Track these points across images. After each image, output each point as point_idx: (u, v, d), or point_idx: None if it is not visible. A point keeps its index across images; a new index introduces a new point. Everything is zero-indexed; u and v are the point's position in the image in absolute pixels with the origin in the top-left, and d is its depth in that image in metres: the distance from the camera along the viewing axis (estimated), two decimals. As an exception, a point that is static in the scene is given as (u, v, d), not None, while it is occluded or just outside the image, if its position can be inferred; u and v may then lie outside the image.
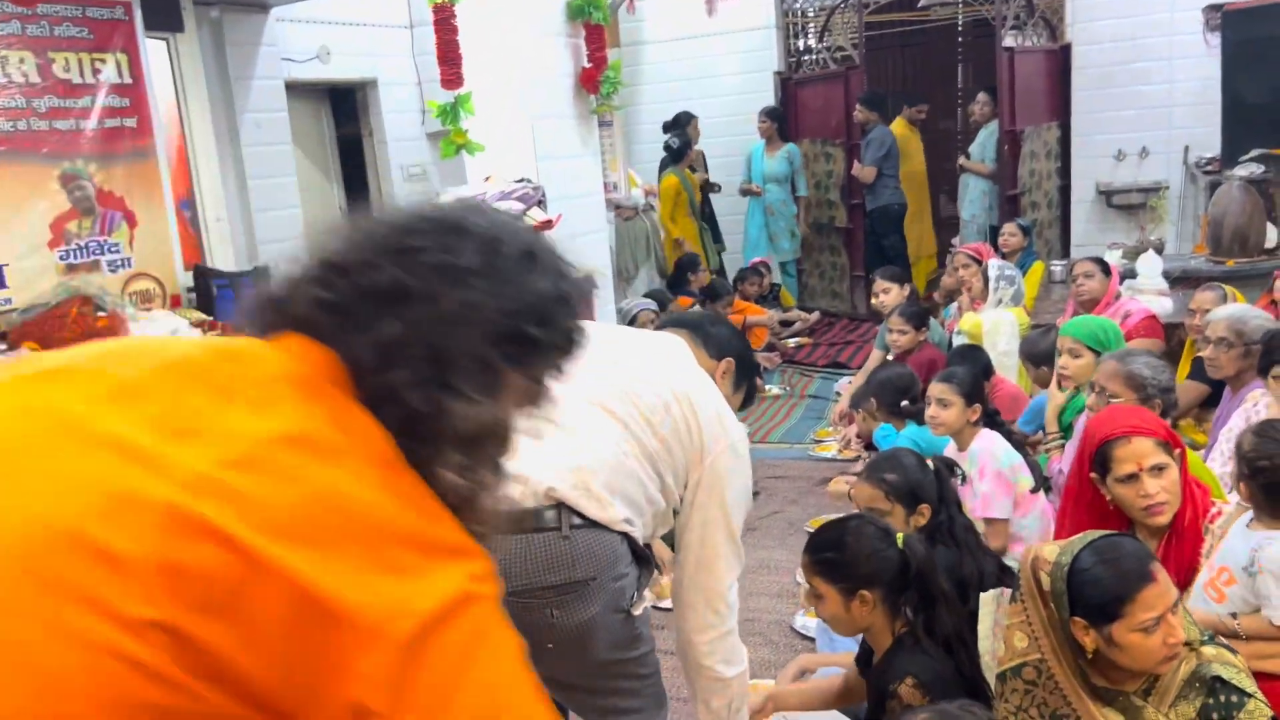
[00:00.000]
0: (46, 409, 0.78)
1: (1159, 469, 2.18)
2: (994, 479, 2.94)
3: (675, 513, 1.89)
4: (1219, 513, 2.19)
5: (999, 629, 2.21)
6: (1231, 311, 3.48)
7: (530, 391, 0.97)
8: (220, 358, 0.86)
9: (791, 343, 7.13)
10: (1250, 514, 2.12)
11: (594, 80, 4.42)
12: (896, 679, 1.96)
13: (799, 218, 7.84)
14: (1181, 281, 5.40)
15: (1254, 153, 5.41)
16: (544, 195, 4.10)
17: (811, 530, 3.88)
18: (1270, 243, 5.33)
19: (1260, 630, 1.98)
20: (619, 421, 1.74)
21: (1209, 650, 1.72)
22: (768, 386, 6.18)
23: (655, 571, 1.88)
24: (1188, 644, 1.72)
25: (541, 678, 0.93)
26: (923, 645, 2.00)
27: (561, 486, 1.66)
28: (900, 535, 2.09)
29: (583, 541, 1.65)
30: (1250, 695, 1.66)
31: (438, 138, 5.02)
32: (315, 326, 0.88)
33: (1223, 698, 1.65)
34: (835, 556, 2.05)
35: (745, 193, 7.68)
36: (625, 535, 1.72)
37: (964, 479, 2.77)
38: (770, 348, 6.68)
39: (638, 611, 1.76)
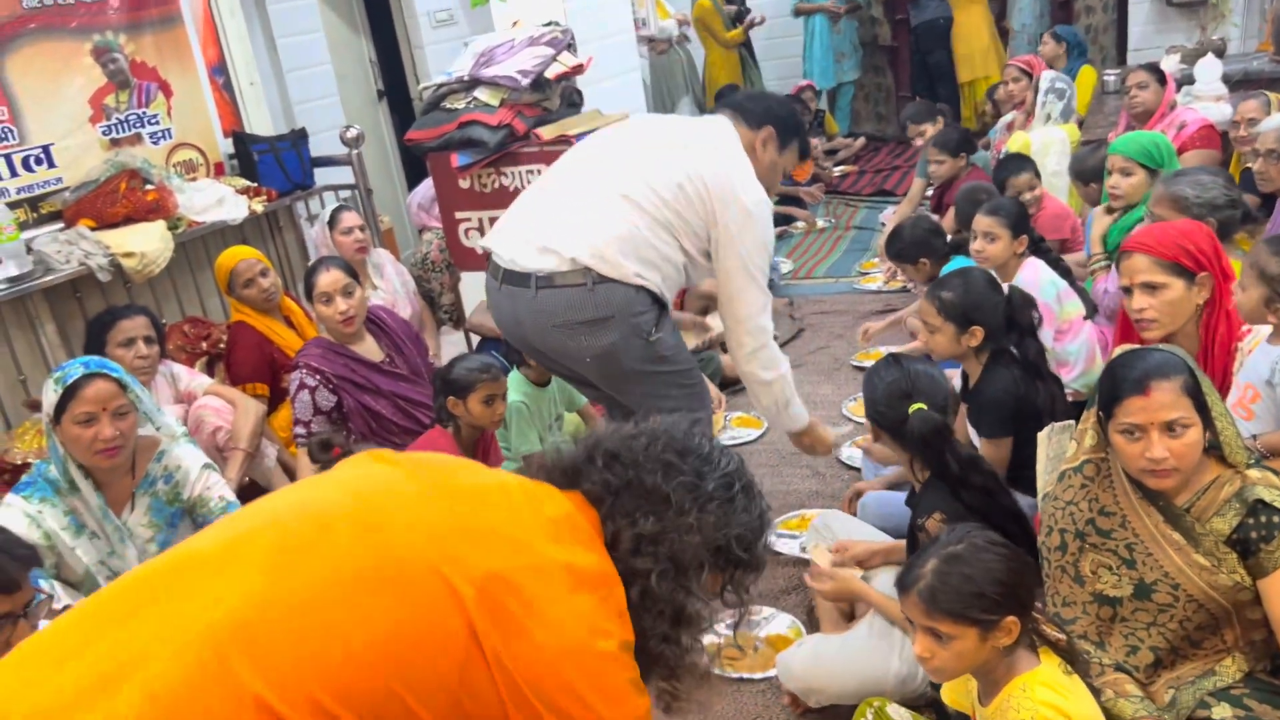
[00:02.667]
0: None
1: (1150, 286, 2.22)
2: (1039, 308, 2.94)
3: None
4: (1249, 330, 2.19)
5: (1052, 460, 2.29)
6: (1286, 120, 3.35)
7: (724, 596, 1.29)
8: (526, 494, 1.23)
9: (836, 171, 7.01)
10: (1272, 329, 2.13)
11: (618, -90, 4.23)
12: (925, 514, 2.06)
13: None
14: (1243, 84, 5.15)
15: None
16: (573, 38, 4.00)
17: (857, 364, 3.96)
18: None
19: None
20: (634, 204, 2.31)
21: (1254, 474, 1.75)
22: (815, 220, 6.13)
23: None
24: (1233, 466, 1.76)
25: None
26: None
27: (582, 255, 2.30)
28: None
29: (603, 292, 2.31)
30: None
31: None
32: (597, 499, 1.22)
33: (1264, 518, 1.69)
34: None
35: (809, 12, 7.30)
36: (640, 287, 2.34)
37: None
38: (815, 179, 6.58)
39: (653, 338, 2.37)
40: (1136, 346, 1.93)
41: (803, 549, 2.70)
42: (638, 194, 2.31)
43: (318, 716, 0.98)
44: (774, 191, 2.52)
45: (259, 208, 4.20)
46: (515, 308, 2.40)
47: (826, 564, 2.27)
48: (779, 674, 2.21)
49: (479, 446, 2.83)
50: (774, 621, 2.47)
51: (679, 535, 1.19)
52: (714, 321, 3.80)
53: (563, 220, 2.35)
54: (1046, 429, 2.36)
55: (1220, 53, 5.72)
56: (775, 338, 2.56)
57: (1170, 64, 5.50)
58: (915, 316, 3.36)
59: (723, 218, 2.33)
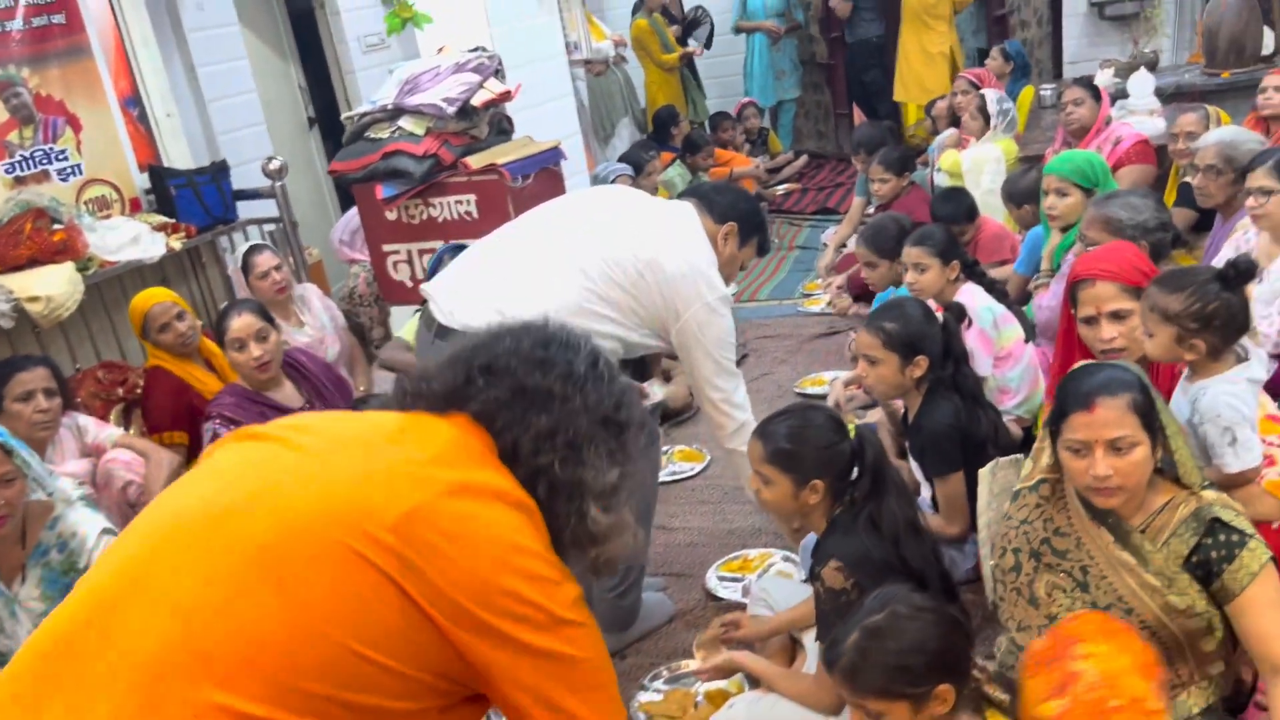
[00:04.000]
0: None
1: (1118, 315, 2.20)
2: (976, 336, 2.88)
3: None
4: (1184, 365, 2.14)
5: (996, 496, 2.23)
6: (1221, 136, 3.34)
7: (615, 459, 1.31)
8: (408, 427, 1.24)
9: (780, 190, 6.96)
10: (1189, 369, 2.09)
11: (545, -67, 4.13)
12: (822, 562, 1.96)
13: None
14: (1176, 97, 5.19)
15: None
16: (501, 64, 3.89)
17: (801, 390, 3.88)
18: (1267, 49, 5.09)
19: (1219, 480, 1.96)
20: (588, 278, 2.30)
21: (1210, 494, 1.73)
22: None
23: None
24: (1188, 488, 1.73)
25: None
26: (854, 527, 1.98)
27: (527, 316, 2.12)
28: (853, 426, 2.06)
29: None
30: (1250, 535, 1.67)
31: (387, 6, 4.77)
32: (487, 417, 1.23)
33: (1222, 537, 1.66)
34: (791, 448, 2.03)
35: (750, 30, 7.25)
36: None
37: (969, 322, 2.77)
38: (758, 199, 6.52)
39: None
40: (1091, 362, 1.90)
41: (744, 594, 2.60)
42: (594, 270, 2.31)
43: (290, 697, 1.01)
44: (731, 281, 2.56)
45: (177, 245, 4.02)
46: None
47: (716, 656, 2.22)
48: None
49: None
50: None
51: (570, 421, 1.25)
52: (654, 391, 3.72)
53: (516, 282, 2.34)
54: (990, 465, 2.29)
55: (1153, 66, 5.77)
56: None
57: (1104, 78, 5.53)
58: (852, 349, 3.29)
59: (685, 314, 2.36)
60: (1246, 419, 1.93)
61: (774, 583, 2.49)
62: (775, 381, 4.04)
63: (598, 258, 2.32)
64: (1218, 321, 1.96)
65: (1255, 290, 2.40)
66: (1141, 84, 4.91)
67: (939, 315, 2.64)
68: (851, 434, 2.05)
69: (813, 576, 2.01)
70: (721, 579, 2.76)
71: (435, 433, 1.22)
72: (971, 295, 2.98)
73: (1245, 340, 2.07)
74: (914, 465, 2.65)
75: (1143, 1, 6.98)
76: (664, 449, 3.57)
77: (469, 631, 1.09)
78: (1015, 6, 6.95)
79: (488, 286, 2.32)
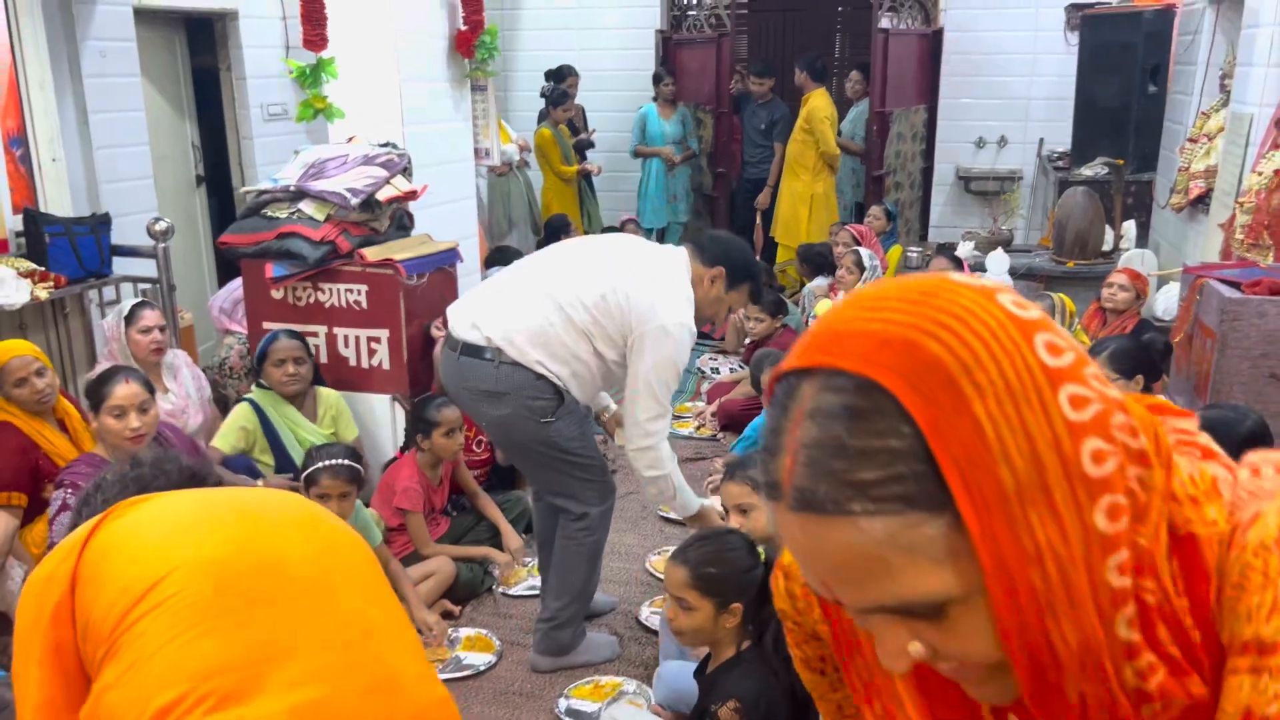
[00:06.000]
0: None
1: None
2: None
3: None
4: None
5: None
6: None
7: None
8: None
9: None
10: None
11: (469, 44, 4.26)
12: (720, 700, 2.04)
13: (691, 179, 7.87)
14: (1025, 277, 5.68)
15: (1098, 160, 5.70)
16: (409, 162, 3.96)
17: (665, 514, 3.97)
18: (1107, 246, 5.65)
19: None
20: (556, 304, 2.67)
21: None
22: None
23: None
24: None
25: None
26: (757, 667, 2.07)
27: (496, 336, 2.70)
28: (762, 550, 2.17)
29: (506, 371, 2.69)
30: None
31: (297, 95, 4.79)
32: None
33: None
34: (716, 572, 2.11)
35: (648, 155, 7.55)
36: (541, 376, 2.68)
37: None
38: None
39: (545, 421, 2.70)
40: None
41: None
42: (563, 297, 2.68)
43: None
44: (718, 321, 3.00)
45: (43, 294, 3.86)
46: (445, 364, 2.84)
47: None
48: None
49: (444, 472, 3.58)
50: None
51: None
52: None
53: (494, 305, 2.76)
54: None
55: (1007, 243, 6.30)
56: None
57: (965, 250, 6.00)
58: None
59: (639, 329, 2.63)
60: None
61: (622, 711, 2.53)
62: (639, 502, 4.12)
63: (568, 287, 2.68)
64: None
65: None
66: (998, 262, 5.37)
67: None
68: (762, 558, 2.14)
69: (704, 713, 2.06)
70: (573, 703, 2.77)
71: None
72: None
73: None
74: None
75: (1005, 181, 7.67)
76: (526, 561, 3.58)
77: None
78: (892, 169, 7.50)
79: (477, 308, 2.77)
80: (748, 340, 5.17)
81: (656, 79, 7.55)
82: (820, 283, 5.64)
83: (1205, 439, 0.72)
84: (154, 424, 2.88)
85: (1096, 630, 0.61)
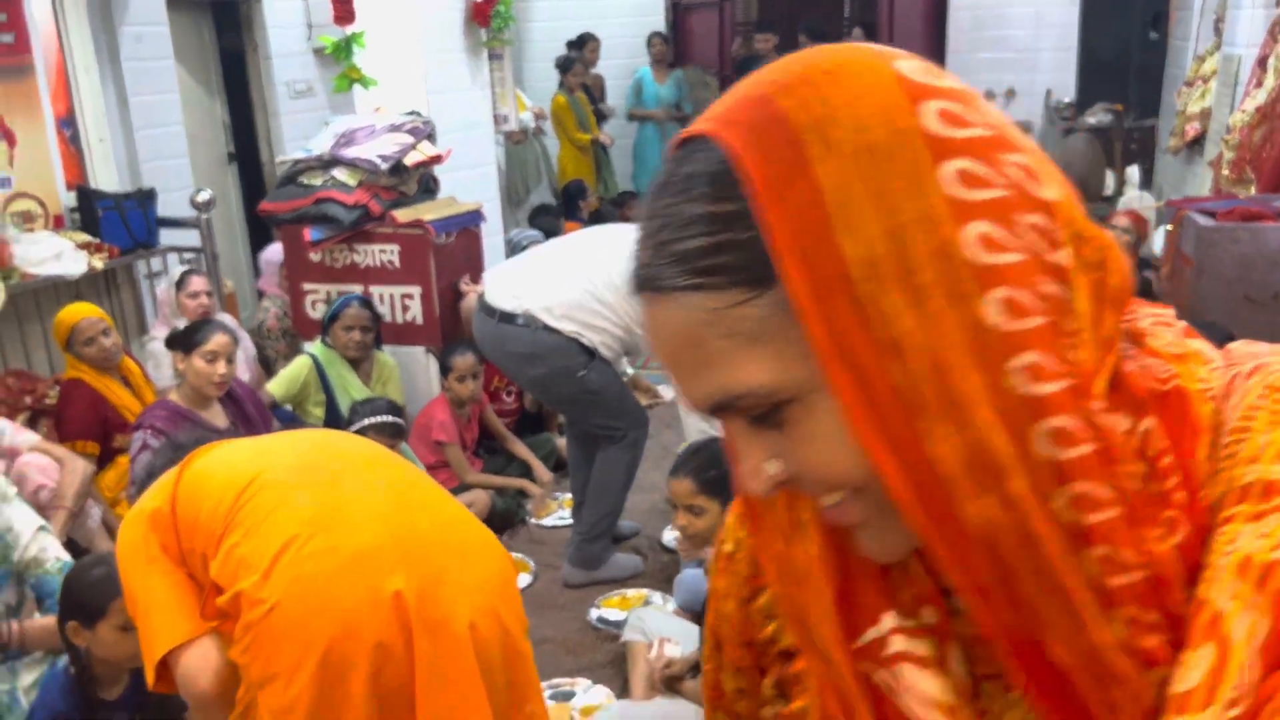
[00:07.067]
0: None
1: None
2: None
3: None
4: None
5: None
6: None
7: None
8: None
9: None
10: None
11: (485, 15, 4.49)
12: None
13: None
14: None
15: (1099, 107, 5.86)
16: (434, 129, 4.21)
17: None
18: (1109, 190, 5.83)
19: None
20: (590, 281, 3.00)
21: None
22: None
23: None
24: None
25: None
26: None
27: (534, 307, 3.01)
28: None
29: (540, 336, 3.01)
30: None
31: (324, 55, 5.03)
32: None
33: None
34: (717, 473, 2.33)
35: (641, 118, 7.74)
36: (574, 339, 3.00)
37: None
38: None
39: (580, 375, 3.02)
40: None
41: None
42: (597, 277, 3.00)
43: None
44: None
45: (99, 264, 4.15)
46: (483, 329, 3.18)
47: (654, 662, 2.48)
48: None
49: (472, 412, 3.93)
50: (590, 692, 2.64)
51: None
52: (666, 391, 4.41)
53: (534, 278, 3.09)
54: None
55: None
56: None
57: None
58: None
59: None
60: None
61: (648, 613, 2.80)
62: (660, 444, 4.37)
63: (603, 266, 2.99)
64: None
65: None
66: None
67: None
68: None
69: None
70: (601, 611, 3.05)
71: None
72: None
73: None
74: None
75: (1010, 133, 7.79)
76: (556, 495, 3.85)
77: None
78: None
79: (515, 279, 3.12)
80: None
81: (649, 42, 7.72)
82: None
83: (1184, 324, 0.61)
84: (232, 375, 3.16)
85: (995, 439, 0.49)
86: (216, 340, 3.11)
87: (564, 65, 7.17)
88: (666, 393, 4.16)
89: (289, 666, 1.27)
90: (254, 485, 1.43)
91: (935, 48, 7.79)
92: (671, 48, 7.70)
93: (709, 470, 2.37)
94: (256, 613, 1.29)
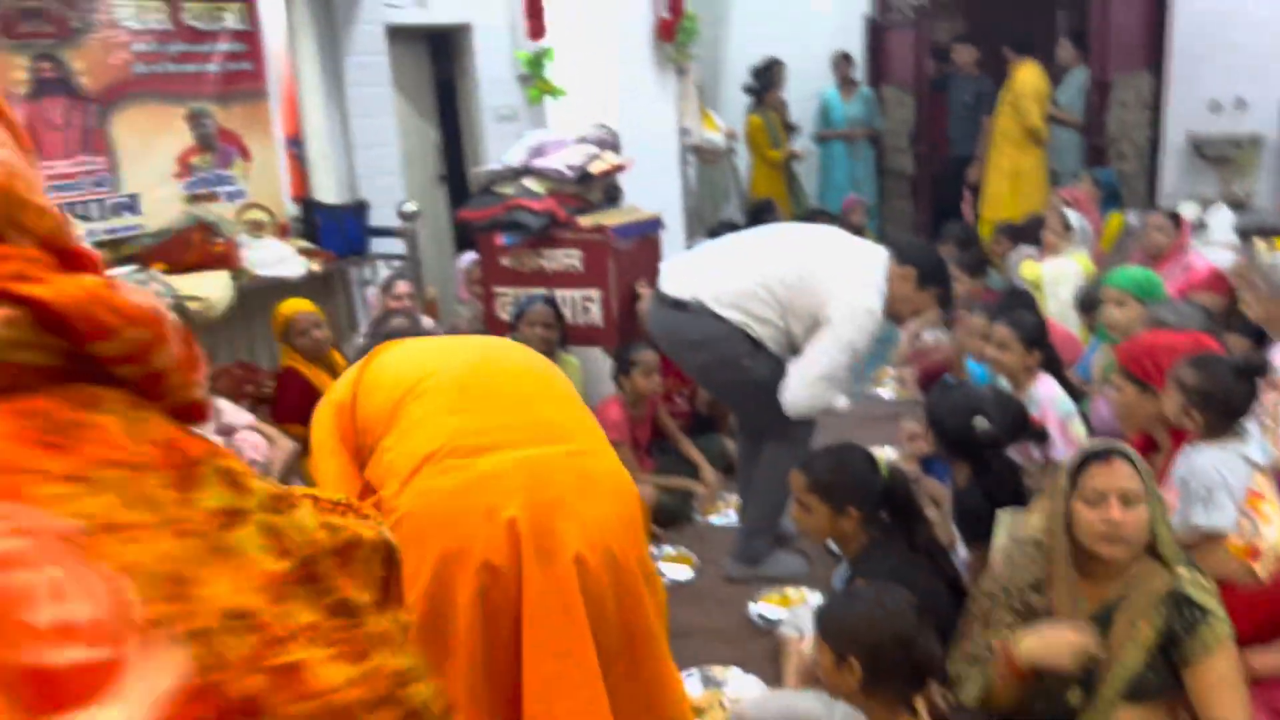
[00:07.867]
0: None
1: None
2: (1056, 426, 3.05)
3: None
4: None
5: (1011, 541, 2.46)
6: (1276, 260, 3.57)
7: None
8: None
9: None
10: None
11: (671, 30, 4.63)
12: (847, 583, 2.26)
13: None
14: (1257, 234, 5.38)
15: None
16: (618, 140, 4.35)
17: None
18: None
19: (1190, 539, 2.16)
20: (760, 275, 3.02)
21: (1184, 571, 1.90)
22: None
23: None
24: (1165, 562, 1.91)
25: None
26: (884, 558, 2.27)
27: (704, 296, 3.07)
28: (883, 461, 2.37)
29: (707, 323, 3.05)
30: (1212, 613, 1.85)
31: (527, 81, 5.31)
32: None
33: (1186, 613, 1.84)
34: (830, 480, 2.38)
35: (830, 138, 7.70)
36: (739, 328, 3.03)
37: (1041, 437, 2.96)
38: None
39: (744, 364, 3.05)
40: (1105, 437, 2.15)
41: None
42: (766, 272, 3.03)
43: None
44: (903, 318, 3.20)
45: (317, 268, 4.54)
46: (656, 317, 3.27)
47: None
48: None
49: (646, 412, 4.01)
50: (741, 681, 2.63)
51: None
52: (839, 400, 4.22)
53: (706, 270, 3.16)
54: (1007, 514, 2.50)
55: (1239, 205, 5.98)
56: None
57: (1190, 210, 5.76)
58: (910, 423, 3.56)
59: (826, 310, 2.95)
60: (1226, 485, 2.15)
61: (804, 613, 2.76)
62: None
63: (772, 264, 3.03)
64: (1214, 403, 2.22)
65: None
66: (1221, 218, 5.14)
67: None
68: (885, 472, 2.36)
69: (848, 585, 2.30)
70: (763, 607, 3.04)
71: None
72: (1051, 386, 3.16)
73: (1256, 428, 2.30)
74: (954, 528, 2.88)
75: (1242, 145, 7.21)
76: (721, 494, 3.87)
77: None
78: (1115, 139, 7.23)
79: (688, 271, 3.19)
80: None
81: (834, 63, 7.65)
82: (1024, 250, 5.58)
83: None
84: None
85: None
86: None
87: (759, 89, 7.26)
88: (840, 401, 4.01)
89: (410, 574, 1.37)
90: (419, 388, 1.54)
91: (1154, 56, 7.33)
92: (859, 66, 7.63)
93: (823, 475, 2.42)
94: (390, 520, 1.40)
